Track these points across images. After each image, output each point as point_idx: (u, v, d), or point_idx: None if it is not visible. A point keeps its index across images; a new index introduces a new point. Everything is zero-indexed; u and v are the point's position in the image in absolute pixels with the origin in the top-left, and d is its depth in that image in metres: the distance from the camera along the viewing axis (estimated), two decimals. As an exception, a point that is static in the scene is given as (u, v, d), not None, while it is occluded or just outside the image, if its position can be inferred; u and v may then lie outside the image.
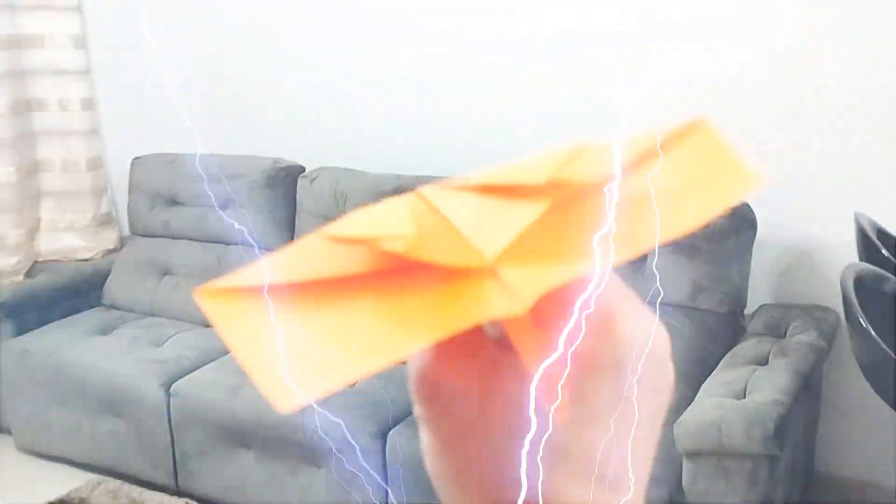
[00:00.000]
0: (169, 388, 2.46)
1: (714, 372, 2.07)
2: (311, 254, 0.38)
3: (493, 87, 2.71)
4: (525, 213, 0.35)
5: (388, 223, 0.36)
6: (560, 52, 2.59)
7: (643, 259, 2.26)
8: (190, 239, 3.01)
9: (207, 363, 2.56)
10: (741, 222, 2.19)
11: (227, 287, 0.37)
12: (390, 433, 2.19)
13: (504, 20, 2.65)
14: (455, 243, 0.34)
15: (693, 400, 2.01)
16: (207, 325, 2.82)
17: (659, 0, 2.41)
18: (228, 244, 2.94)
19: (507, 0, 2.62)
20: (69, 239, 3.10)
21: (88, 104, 3.04)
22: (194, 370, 2.53)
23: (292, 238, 2.86)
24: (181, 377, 2.49)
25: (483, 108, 2.74)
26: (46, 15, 2.90)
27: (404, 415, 2.20)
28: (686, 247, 2.20)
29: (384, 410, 2.23)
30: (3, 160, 2.83)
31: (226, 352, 2.64)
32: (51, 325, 2.82)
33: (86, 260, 3.11)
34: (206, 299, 0.36)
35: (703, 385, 2.00)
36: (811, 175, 2.31)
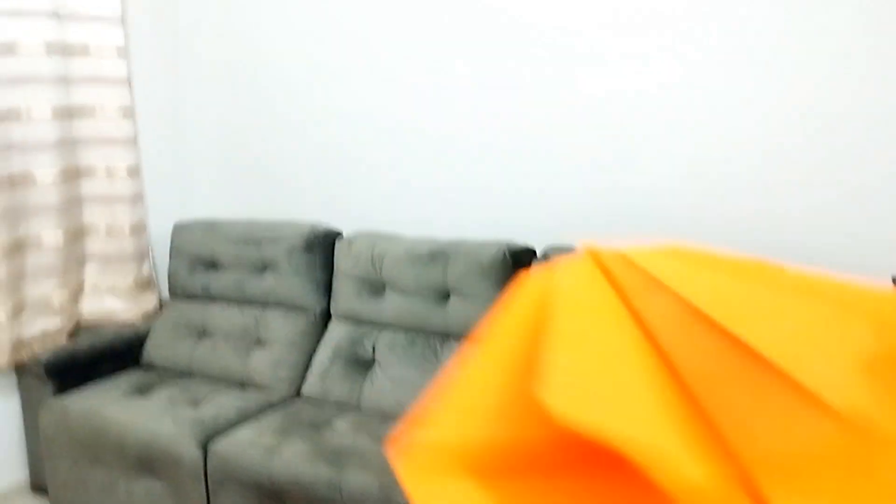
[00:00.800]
0: (206, 447, 2.48)
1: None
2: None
3: (531, 153, 2.77)
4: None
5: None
6: (601, 116, 2.65)
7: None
8: (228, 301, 3.07)
9: (244, 423, 2.58)
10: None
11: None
12: None
13: (543, 88, 2.73)
14: None
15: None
16: (244, 385, 2.86)
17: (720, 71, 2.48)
18: (266, 307, 3.00)
19: (538, 68, 2.70)
20: (111, 302, 3.16)
21: (134, 171, 3.14)
22: (231, 429, 2.54)
23: (329, 301, 2.91)
24: (218, 436, 2.51)
25: (520, 173, 2.80)
26: (98, 87, 3.03)
27: None
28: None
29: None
30: (51, 224, 2.92)
31: (262, 412, 2.66)
32: (91, 385, 2.86)
33: (126, 323, 3.16)
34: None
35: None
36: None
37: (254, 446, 2.42)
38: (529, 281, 0.45)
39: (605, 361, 0.35)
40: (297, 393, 2.83)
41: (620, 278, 0.43)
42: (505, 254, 2.58)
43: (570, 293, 0.45)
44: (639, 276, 0.42)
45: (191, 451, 2.48)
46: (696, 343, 0.33)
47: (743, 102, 2.41)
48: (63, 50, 2.92)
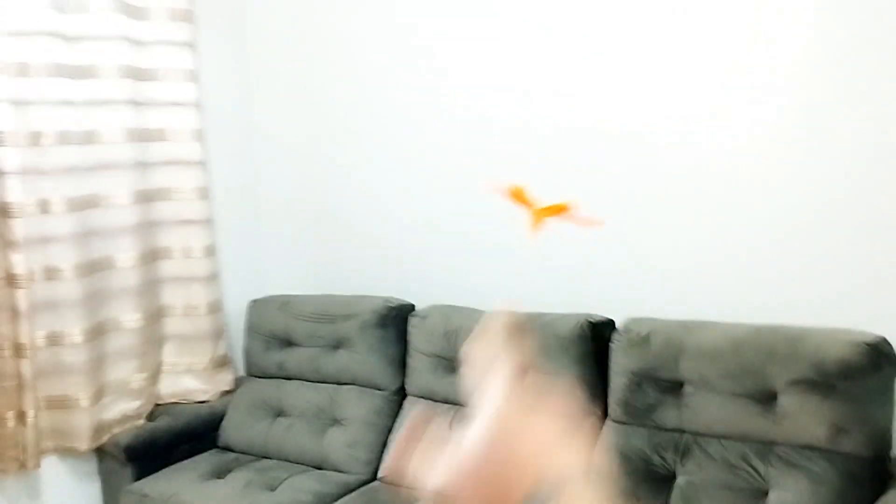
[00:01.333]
0: (284, 536, 2.43)
1: (864, 524, 1.90)
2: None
3: (608, 224, 2.70)
4: None
5: None
6: (678, 189, 2.57)
7: (773, 397, 2.14)
8: (303, 379, 3.04)
9: (321, 509, 2.53)
10: (879, 358, 2.06)
11: None
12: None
13: (617, 163, 2.67)
14: None
15: (842, 555, 1.84)
16: (320, 468, 2.81)
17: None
18: (341, 384, 2.96)
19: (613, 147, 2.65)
20: (188, 381, 3.18)
21: (210, 251, 3.18)
22: (308, 516, 2.49)
23: (404, 377, 2.86)
24: (296, 524, 2.46)
25: (597, 244, 2.72)
26: (175, 170, 3.09)
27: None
28: (820, 385, 2.08)
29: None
30: (131, 307, 2.96)
31: (339, 496, 2.60)
32: (169, 468, 2.85)
33: (203, 402, 3.16)
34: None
35: (855, 539, 1.84)
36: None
37: (331, 535, 2.36)
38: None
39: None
40: (374, 474, 2.77)
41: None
42: (584, 327, 2.50)
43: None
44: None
45: (268, 540, 2.43)
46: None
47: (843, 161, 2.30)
48: (141, 136, 2.99)
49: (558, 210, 0.84)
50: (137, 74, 2.97)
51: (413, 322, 2.86)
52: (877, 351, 2.05)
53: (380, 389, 2.89)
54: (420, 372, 2.80)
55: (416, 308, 2.95)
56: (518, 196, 0.84)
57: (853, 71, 2.25)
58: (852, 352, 2.05)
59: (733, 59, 2.42)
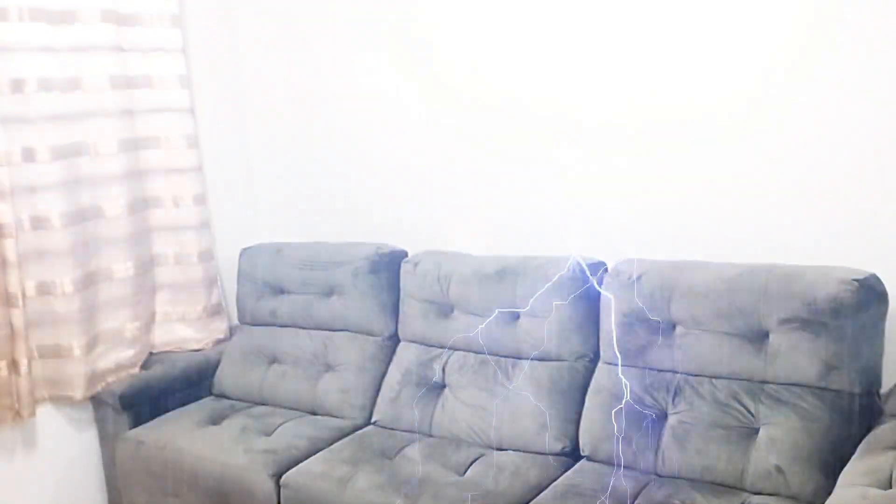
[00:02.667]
0: (279, 480, 2.45)
1: (852, 458, 1.91)
2: None
3: (601, 170, 2.68)
4: None
5: None
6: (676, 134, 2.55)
7: (764, 336, 2.14)
8: (296, 327, 3.04)
9: (316, 453, 2.55)
10: (869, 295, 2.05)
11: None
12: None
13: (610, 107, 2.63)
14: None
15: (830, 490, 1.86)
16: (314, 413, 2.82)
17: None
18: (334, 331, 2.96)
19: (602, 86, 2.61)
20: (181, 330, 3.18)
21: (200, 199, 3.15)
22: (303, 460, 2.51)
23: (397, 323, 2.86)
24: (291, 468, 2.48)
25: (589, 190, 2.70)
26: (162, 118, 3.04)
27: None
28: (810, 323, 2.07)
29: None
30: (122, 256, 2.94)
31: (333, 441, 2.62)
32: (164, 416, 2.87)
33: (197, 350, 3.17)
34: None
35: (843, 473, 1.85)
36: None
37: (326, 478, 2.38)
38: None
39: None
40: (369, 419, 2.78)
41: None
42: (575, 269, 2.49)
43: None
44: None
45: (264, 484, 2.45)
46: None
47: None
48: (126, 83, 2.94)
49: None
50: (121, 19, 2.91)
51: (405, 268, 2.84)
52: (867, 288, 2.04)
53: (372, 335, 2.89)
54: (412, 317, 2.80)
55: (408, 254, 2.94)
56: None
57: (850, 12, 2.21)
58: (843, 289, 2.04)
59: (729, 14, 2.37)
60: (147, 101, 3.02)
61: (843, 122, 2.25)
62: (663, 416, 2.27)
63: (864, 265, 2.15)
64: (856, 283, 2.04)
